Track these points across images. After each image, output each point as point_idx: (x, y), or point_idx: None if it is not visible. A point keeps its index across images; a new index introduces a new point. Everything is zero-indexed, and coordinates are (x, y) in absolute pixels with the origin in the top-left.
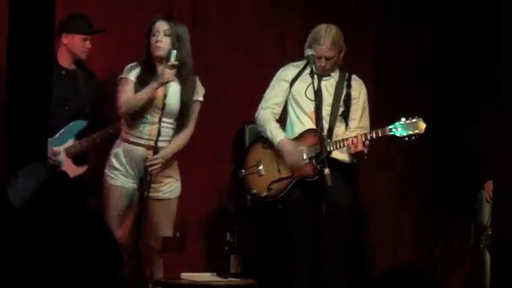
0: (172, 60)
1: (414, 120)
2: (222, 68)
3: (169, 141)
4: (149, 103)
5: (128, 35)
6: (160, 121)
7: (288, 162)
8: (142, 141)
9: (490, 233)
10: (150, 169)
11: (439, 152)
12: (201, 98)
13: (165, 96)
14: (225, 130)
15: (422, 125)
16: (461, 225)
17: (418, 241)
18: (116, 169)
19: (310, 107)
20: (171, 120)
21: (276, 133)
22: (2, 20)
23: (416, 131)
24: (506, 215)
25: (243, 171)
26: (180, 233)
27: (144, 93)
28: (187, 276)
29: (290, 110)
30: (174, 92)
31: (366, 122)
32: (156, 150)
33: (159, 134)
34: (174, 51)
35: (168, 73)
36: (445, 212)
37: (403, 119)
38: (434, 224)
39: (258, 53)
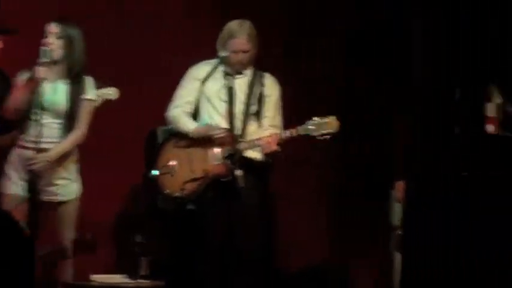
0: (44, 58)
1: (327, 119)
2: (135, 68)
3: (59, 142)
4: (29, 104)
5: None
6: (42, 121)
7: (202, 134)
8: (30, 144)
9: (400, 233)
10: (28, 168)
11: (354, 150)
12: (90, 97)
13: (42, 95)
14: (137, 131)
15: (336, 124)
16: (372, 225)
17: (330, 241)
18: (9, 176)
19: (223, 106)
20: (57, 121)
21: (189, 124)
22: None
23: (330, 130)
24: (416, 216)
25: (155, 171)
26: (91, 234)
27: (18, 94)
28: (97, 278)
29: (202, 109)
30: (61, 91)
31: (279, 121)
32: (40, 151)
33: (42, 134)
34: (46, 49)
35: (39, 71)
36: (358, 212)
37: (316, 118)
38: (348, 223)
39: (171, 52)
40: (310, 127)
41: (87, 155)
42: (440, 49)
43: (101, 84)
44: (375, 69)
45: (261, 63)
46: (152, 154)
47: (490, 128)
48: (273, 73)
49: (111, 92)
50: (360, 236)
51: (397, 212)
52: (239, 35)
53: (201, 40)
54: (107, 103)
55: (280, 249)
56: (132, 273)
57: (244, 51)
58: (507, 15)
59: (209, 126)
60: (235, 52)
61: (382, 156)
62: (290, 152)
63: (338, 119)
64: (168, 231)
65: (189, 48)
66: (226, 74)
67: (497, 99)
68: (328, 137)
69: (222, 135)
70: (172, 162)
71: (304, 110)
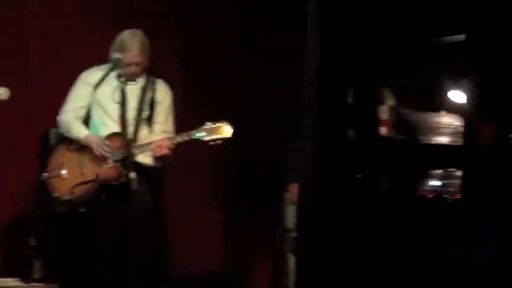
0: None
1: (220, 124)
2: (26, 70)
3: None
4: None
5: None
6: None
7: (96, 152)
8: None
9: (294, 235)
10: None
11: (246, 155)
12: None
13: None
14: (30, 133)
15: (229, 129)
16: (266, 228)
17: (224, 245)
18: None
19: (115, 110)
20: None
21: (80, 131)
22: None
23: (222, 135)
24: (310, 218)
25: (45, 174)
26: None
27: None
28: None
29: (94, 113)
30: None
31: (171, 126)
32: None
33: None
34: None
35: None
36: (252, 215)
37: (208, 123)
38: (241, 227)
39: (64, 54)
40: (202, 132)
41: None
42: (333, 52)
43: None
44: (267, 72)
45: (155, 68)
46: (44, 156)
47: (383, 131)
48: (169, 78)
49: (2, 92)
50: (255, 239)
51: (291, 215)
52: (131, 48)
53: (95, 43)
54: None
55: (175, 253)
56: (25, 277)
57: (136, 64)
58: (400, 18)
59: (100, 141)
60: (127, 65)
61: (276, 159)
62: (184, 156)
63: (230, 123)
64: (62, 234)
65: (83, 51)
66: (119, 80)
67: (390, 102)
68: (220, 142)
69: (106, 153)
70: (63, 166)
71: (200, 115)
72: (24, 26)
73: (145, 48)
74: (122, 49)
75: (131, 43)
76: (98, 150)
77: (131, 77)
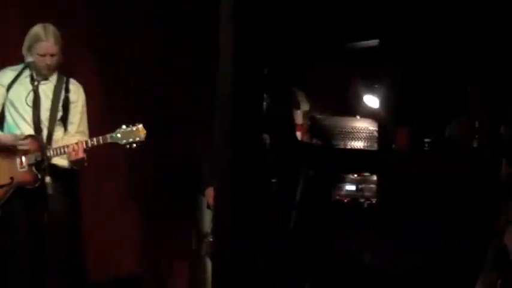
0: None
1: (135, 127)
2: None
3: None
4: None
5: None
6: None
7: (8, 143)
8: None
9: (211, 240)
10: None
11: (163, 158)
12: None
13: None
14: None
15: (143, 132)
16: (183, 232)
17: (142, 249)
18: None
19: (28, 112)
20: None
21: None
22: None
23: (137, 138)
24: (226, 222)
25: None
26: None
27: None
28: None
29: (7, 115)
30: None
31: (85, 126)
32: None
33: None
34: None
35: None
36: (169, 219)
37: (123, 126)
38: (158, 230)
39: None
40: (117, 135)
41: None
42: (249, 54)
43: None
44: (183, 76)
45: (68, 67)
46: None
47: (299, 135)
48: (86, 77)
49: None
50: (172, 243)
51: (207, 219)
52: (46, 38)
53: (8, 44)
54: None
55: (91, 256)
56: None
57: (51, 55)
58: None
59: (14, 136)
60: (42, 55)
61: (192, 163)
62: (100, 158)
63: (145, 127)
64: None
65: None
66: (32, 80)
67: (305, 106)
68: (135, 145)
69: (26, 146)
70: None
71: (117, 117)
72: None
73: (58, 39)
74: (37, 40)
75: (46, 34)
76: (16, 143)
77: (45, 71)
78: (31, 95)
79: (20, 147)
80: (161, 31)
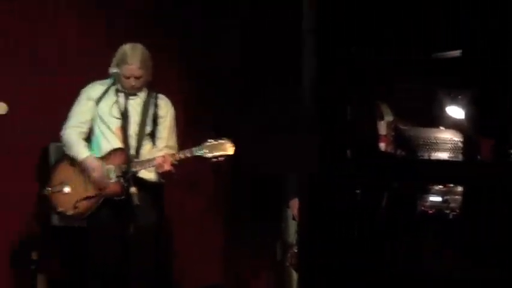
0: None
1: (221, 141)
2: (27, 84)
3: None
4: None
5: None
6: None
7: (94, 178)
8: None
9: (296, 251)
10: None
11: (246, 171)
12: None
13: None
14: (29, 148)
15: (230, 146)
16: (268, 243)
17: (226, 260)
18: None
19: (116, 125)
20: None
21: (81, 151)
22: None
23: (224, 152)
24: (311, 234)
25: (48, 189)
26: None
27: None
28: None
29: (96, 128)
30: None
31: (174, 141)
32: None
33: None
34: None
35: None
36: (253, 230)
37: (210, 140)
38: (242, 243)
39: (64, 69)
40: (204, 149)
41: None
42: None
43: None
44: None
45: (156, 82)
46: (45, 171)
47: (382, 146)
48: (170, 93)
49: None
50: (256, 255)
51: (292, 230)
52: (131, 61)
53: (96, 58)
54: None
55: (177, 267)
56: None
57: (136, 77)
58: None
59: (98, 166)
60: (127, 78)
61: (277, 174)
62: (186, 172)
63: (232, 141)
64: (64, 249)
65: (84, 65)
66: (120, 94)
67: (388, 117)
68: (222, 159)
69: (102, 182)
70: (66, 181)
71: (202, 130)
72: (25, 41)
73: (145, 61)
74: (122, 62)
75: (132, 56)
76: (94, 176)
77: (131, 91)
78: (119, 109)
79: (96, 178)
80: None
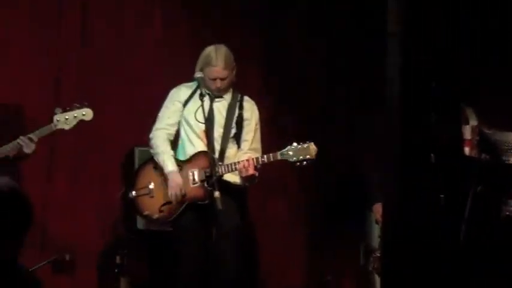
0: None
1: (306, 144)
2: (111, 90)
3: None
4: None
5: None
6: None
7: (169, 193)
8: None
9: (379, 255)
10: None
11: (329, 174)
12: None
13: None
14: (114, 152)
15: (314, 150)
16: (350, 248)
17: (308, 264)
18: None
19: (201, 128)
20: None
21: (167, 163)
22: None
23: (308, 156)
24: (394, 238)
25: (133, 192)
26: (70, 256)
27: None
28: None
29: (182, 131)
30: None
31: (258, 144)
32: None
33: None
34: None
35: None
36: (335, 235)
37: (294, 144)
38: (325, 246)
39: (148, 73)
40: (289, 152)
41: (66, 174)
42: (415, 73)
43: (77, 105)
44: (351, 95)
45: (241, 85)
46: (131, 175)
47: (467, 151)
48: (253, 95)
49: (85, 113)
50: (338, 259)
51: (375, 234)
52: (215, 62)
53: (181, 61)
54: (82, 123)
55: (259, 273)
56: None
57: (221, 79)
58: (482, 36)
59: (178, 185)
60: (212, 79)
61: (360, 178)
62: (269, 175)
63: (316, 144)
64: (147, 253)
65: (169, 69)
66: (204, 95)
67: (473, 121)
68: (306, 162)
69: (175, 200)
70: (150, 184)
71: (284, 134)
72: (107, 47)
73: (229, 63)
74: (207, 64)
75: (216, 58)
76: (171, 193)
77: (217, 93)
78: (204, 112)
79: (171, 196)
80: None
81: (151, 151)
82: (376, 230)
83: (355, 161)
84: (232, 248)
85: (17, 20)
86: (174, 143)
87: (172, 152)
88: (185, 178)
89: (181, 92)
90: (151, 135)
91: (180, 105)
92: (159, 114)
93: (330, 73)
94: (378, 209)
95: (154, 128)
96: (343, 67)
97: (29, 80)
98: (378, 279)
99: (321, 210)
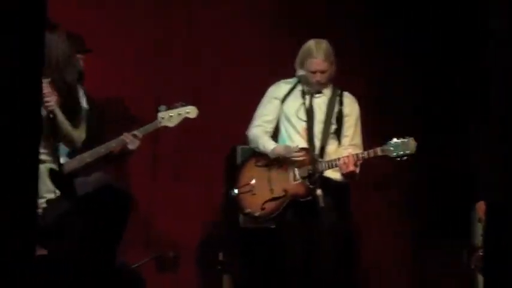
0: None
1: (406, 139)
2: (214, 88)
3: None
4: None
5: (122, 54)
6: None
7: (281, 154)
8: None
9: (481, 254)
10: None
11: (432, 171)
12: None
13: None
14: (216, 150)
15: (414, 145)
16: (452, 246)
17: (409, 262)
18: None
19: (301, 125)
20: None
21: (268, 145)
22: None
23: (408, 151)
24: (497, 236)
25: (235, 190)
26: (173, 253)
27: None
28: None
29: (282, 128)
30: None
31: (359, 139)
32: None
33: None
34: None
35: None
36: (437, 232)
37: (395, 139)
38: (426, 244)
39: (249, 72)
40: (389, 148)
41: (170, 173)
42: None
43: (181, 103)
44: (453, 88)
45: (339, 81)
46: (232, 172)
47: None
48: (352, 91)
49: (190, 111)
50: (441, 258)
51: (478, 233)
52: (316, 55)
53: (280, 57)
54: (187, 121)
55: (360, 270)
56: None
57: (321, 72)
58: None
59: (288, 148)
60: (313, 72)
61: (462, 178)
62: (370, 172)
63: (416, 139)
64: (250, 250)
65: (269, 66)
66: (305, 93)
67: None
68: (406, 158)
69: (299, 158)
70: (252, 182)
71: (382, 130)
72: (212, 47)
73: (329, 55)
74: (307, 57)
75: (317, 50)
76: (290, 155)
77: (316, 87)
78: (303, 108)
79: (294, 159)
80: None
81: (251, 146)
82: (479, 229)
83: (460, 158)
84: (334, 245)
85: (127, 20)
86: (274, 140)
87: (271, 139)
88: (286, 175)
89: (280, 88)
90: (248, 132)
91: (277, 102)
92: (257, 112)
93: (428, 69)
94: (481, 207)
95: (251, 125)
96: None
97: (135, 78)
98: (480, 278)
99: (422, 206)
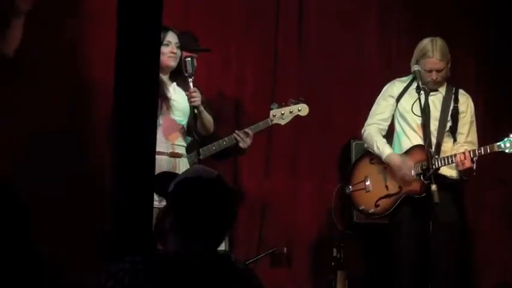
0: (192, 68)
1: None
2: (326, 85)
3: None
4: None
5: (230, 53)
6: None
7: (397, 176)
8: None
9: None
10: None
11: None
12: None
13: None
14: (330, 146)
15: None
16: None
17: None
18: None
19: (417, 122)
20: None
21: (382, 148)
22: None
23: None
24: None
25: (350, 187)
26: (287, 248)
27: None
28: None
29: (397, 125)
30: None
31: (474, 137)
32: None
33: None
34: (191, 59)
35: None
36: None
37: (511, 135)
38: None
39: (363, 69)
40: (506, 144)
41: (283, 169)
42: None
43: (292, 100)
44: None
45: (454, 78)
46: (346, 168)
47: None
48: (466, 88)
49: (301, 108)
50: None
51: None
52: (432, 54)
53: (394, 55)
54: (299, 118)
55: (475, 267)
56: None
57: (437, 70)
58: None
59: (404, 164)
60: (428, 71)
61: None
62: (486, 168)
63: None
64: (364, 246)
65: (383, 64)
66: (420, 91)
67: None
68: None
69: (408, 177)
70: (367, 182)
71: (498, 126)
72: (323, 45)
73: (445, 54)
74: (423, 56)
75: (433, 50)
76: (399, 173)
77: (432, 85)
78: (419, 106)
79: (400, 175)
80: None
81: (365, 145)
82: None
83: None
84: (451, 241)
85: (235, 19)
86: (387, 138)
87: (385, 140)
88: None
89: (395, 87)
90: (363, 131)
91: (392, 101)
92: (372, 110)
93: None
94: None
95: (366, 123)
96: None
97: (247, 77)
98: None
99: None
